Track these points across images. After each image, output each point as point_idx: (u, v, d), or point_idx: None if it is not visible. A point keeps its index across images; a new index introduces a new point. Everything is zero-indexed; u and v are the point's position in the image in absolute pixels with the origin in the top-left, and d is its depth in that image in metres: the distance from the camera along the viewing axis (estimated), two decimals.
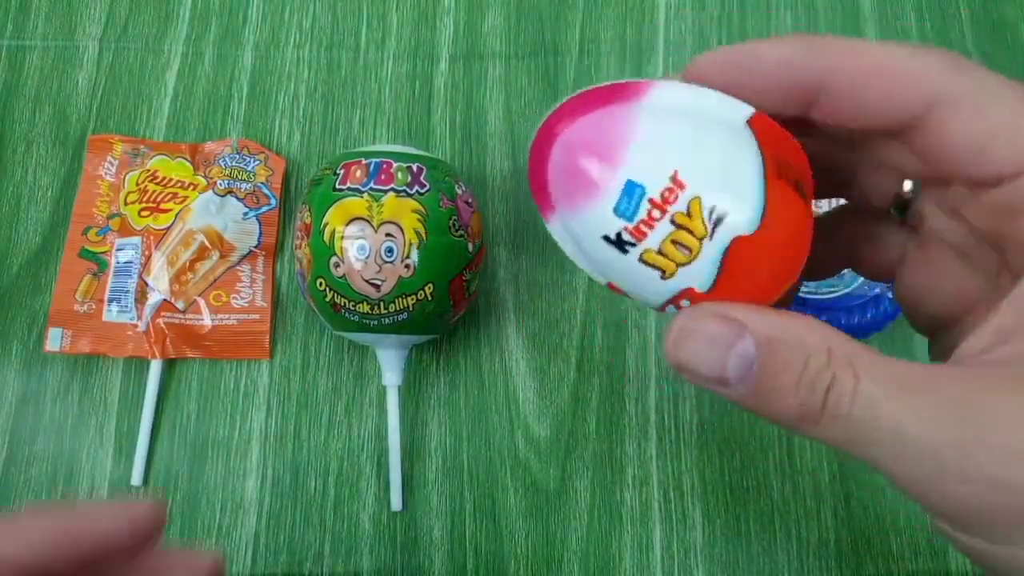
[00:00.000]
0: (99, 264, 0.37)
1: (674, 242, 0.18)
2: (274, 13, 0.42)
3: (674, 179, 0.18)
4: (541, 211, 0.20)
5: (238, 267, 0.37)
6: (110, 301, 0.36)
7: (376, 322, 0.32)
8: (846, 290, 0.34)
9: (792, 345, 0.17)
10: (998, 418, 0.15)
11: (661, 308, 0.19)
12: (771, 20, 0.42)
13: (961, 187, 0.18)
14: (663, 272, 0.18)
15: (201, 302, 0.37)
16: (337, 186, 0.32)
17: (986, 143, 0.17)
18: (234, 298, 0.37)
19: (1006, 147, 0.17)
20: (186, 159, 0.39)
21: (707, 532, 0.33)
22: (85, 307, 0.36)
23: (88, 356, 0.36)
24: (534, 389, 0.36)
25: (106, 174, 0.38)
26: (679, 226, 0.18)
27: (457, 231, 0.33)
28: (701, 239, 0.18)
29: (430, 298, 0.32)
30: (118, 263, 0.37)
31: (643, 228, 0.18)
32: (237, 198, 0.38)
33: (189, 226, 0.37)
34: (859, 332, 0.34)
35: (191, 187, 0.38)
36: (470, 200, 0.34)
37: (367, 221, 0.31)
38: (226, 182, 0.38)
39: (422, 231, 0.32)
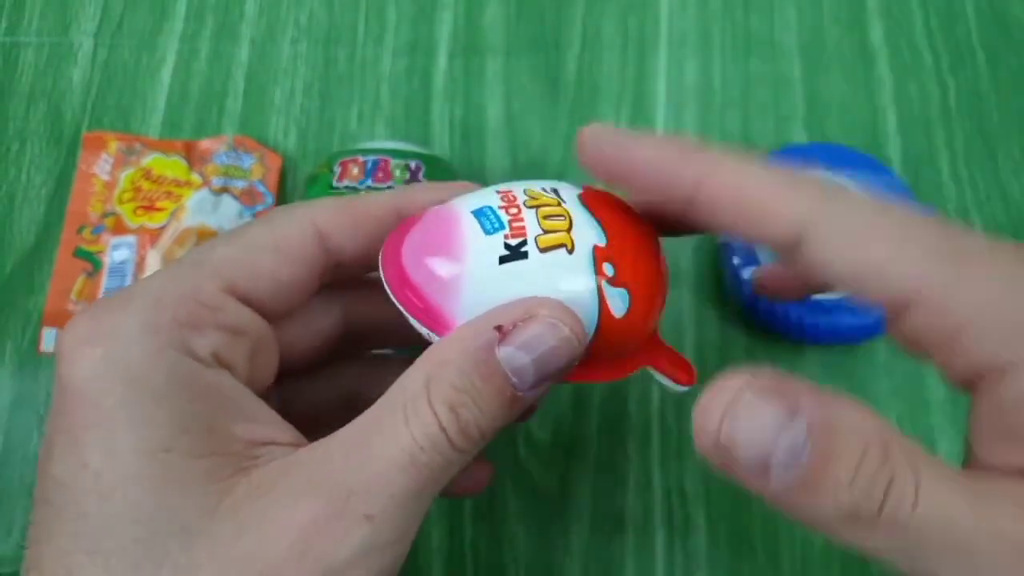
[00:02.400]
0: (93, 264, 0.36)
1: (546, 217, 0.20)
2: (271, 8, 0.41)
3: (500, 191, 0.21)
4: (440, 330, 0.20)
5: None
6: None
7: None
8: None
9: (849, 434, 0.15)
10: None
11: (600, 296, 0.20)
12: (774, 16, 0.42)
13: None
14: (566, 247, 0.19)
15: None
16: (334, 184, 0.32)
17: (869, 271, 0.16)
18: None
19: (897, 275, 0.16)
20: (181, 157, 0.38)
21: (711, 537, 0.33)
22: (80, 307, 0.36)
23: None
24: None
25: (100, 172, 0.38)
26: (536, 205, 0.20)
27: None
28: (558, 203, 0.20)
29: None
30: (113, 263, 0.36)
31: (517, 225, 0.19)
32: (233, 196, 0.37)
33: (184, 225, 0.36)
34: (864, 333, 0.34)
35: (186, 185, 0.37)
36: None
37: None
38: (221, 180, 0.37)
39: None
